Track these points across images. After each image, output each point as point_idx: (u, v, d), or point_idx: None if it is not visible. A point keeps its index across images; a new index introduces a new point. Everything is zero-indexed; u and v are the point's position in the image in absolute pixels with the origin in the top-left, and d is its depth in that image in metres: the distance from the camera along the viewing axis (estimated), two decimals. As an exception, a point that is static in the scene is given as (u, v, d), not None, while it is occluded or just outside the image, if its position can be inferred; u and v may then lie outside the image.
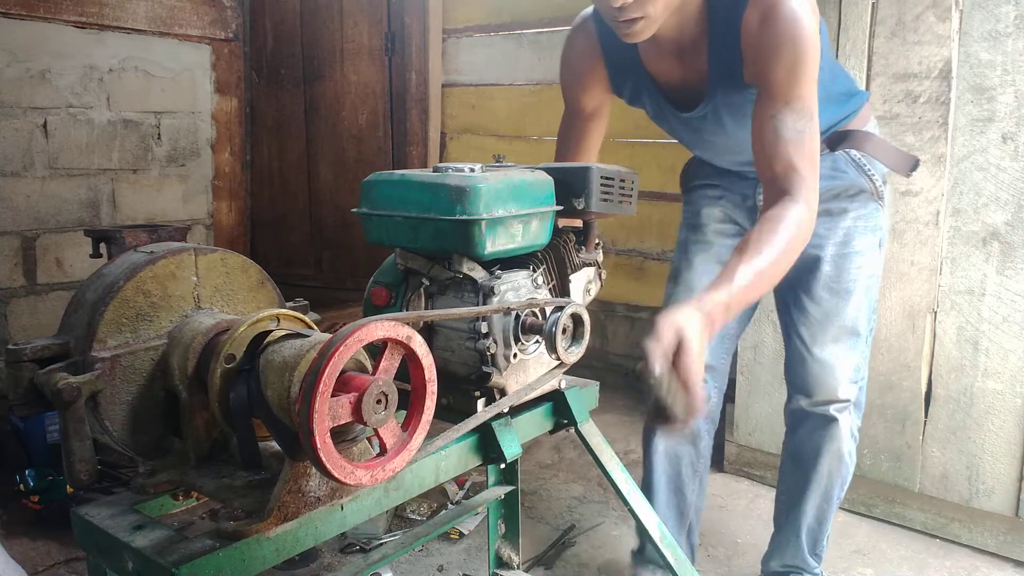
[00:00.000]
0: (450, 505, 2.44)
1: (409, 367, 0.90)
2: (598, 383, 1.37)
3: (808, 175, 1.28)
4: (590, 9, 1.56)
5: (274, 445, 0.99)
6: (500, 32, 3.54)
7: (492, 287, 1.13)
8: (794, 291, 1.70)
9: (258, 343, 0.96)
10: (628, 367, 3.21)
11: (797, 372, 1.75)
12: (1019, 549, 2.11)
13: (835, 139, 1.62)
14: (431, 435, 0.99)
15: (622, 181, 1.30)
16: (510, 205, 1.13)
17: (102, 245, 1.17)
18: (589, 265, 1.35)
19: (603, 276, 1.40)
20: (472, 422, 1.11)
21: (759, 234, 1.23)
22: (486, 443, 1.18)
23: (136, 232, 1.15)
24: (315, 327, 1.06)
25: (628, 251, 3.33)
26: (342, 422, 0.82)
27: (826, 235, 1.64)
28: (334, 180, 3.98)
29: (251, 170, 3.99)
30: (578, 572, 2.13)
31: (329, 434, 0.80)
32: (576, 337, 1.21)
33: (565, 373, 1.27)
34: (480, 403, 1.17)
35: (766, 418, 2.51)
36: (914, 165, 1.68)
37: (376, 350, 0.87)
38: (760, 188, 1.60)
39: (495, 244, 1.12)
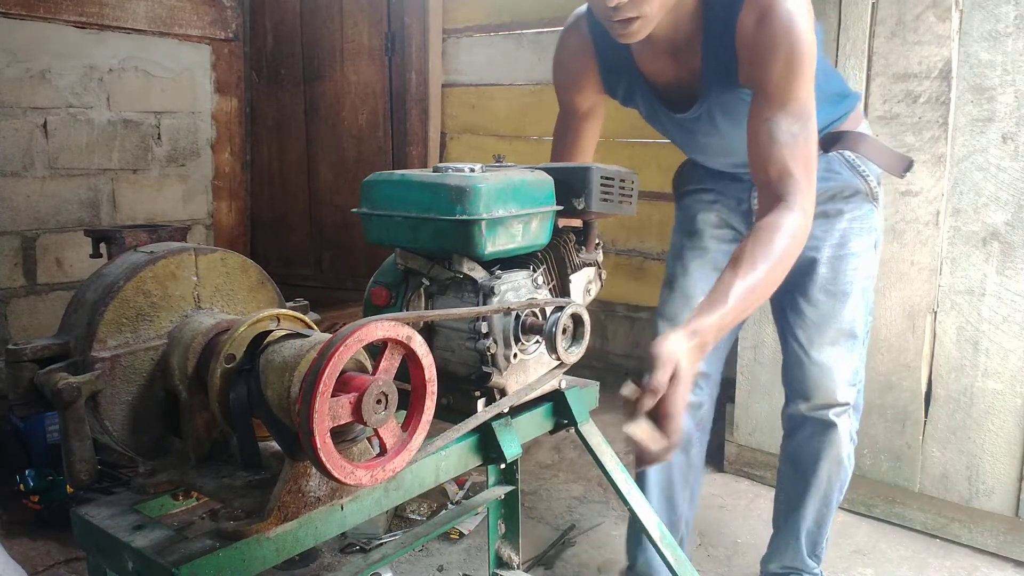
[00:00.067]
0: (450, 505, 2.44)
1: (409, 367, 0.90)
2: (598, 383, 1.37)
3: (803, 179, 1.27)
4: (583, 8, 1.54)
5: (274, 445, 0.99)
6: (500, 32, 3.54)
7: (492, 287, 1.13)
8: (790, 294, 1.69)
9: (258, 343, 0.96)
10: (628, 368, 3.21)
11: (795, 375, 1.74)
12: (1019, 549, 2.11)
13: (829, 140, 1.61)
14: (431, 435, 0.98)
15: (622, 181, 1.30)
16: (510, 205, 1.13)
17: (102, 245, 1.17)
18: (589, 265, 1.35)
19: (603, 276, 1.40)
20: (472, 422, 1.11)
21: (753, 246, 1.21)
22: (486, 443, 1.18)
23: (136, 232, 1.15)
24: (315, 327, 1.06)
25: (628, 251, 3.33)
26: (342, 422, 0.82)
27: (822, 237, 1.63)
28: (334, 180, 3.98)
29: (251, 170, 3.99)
30: (578, 572, 2.13)
31: (329, 434, 0.80)
32: (576, 337, 1.21)
33: (565, 373, 1.27)
34: (480, 403, 1.17)
35: (766, 418, 2.50)
36: (908, 166, 1.67)
37: (376, 350, 0.87)
38: (755, 191, 1.60)
39: (495, 244, 1.12)
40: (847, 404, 1.73)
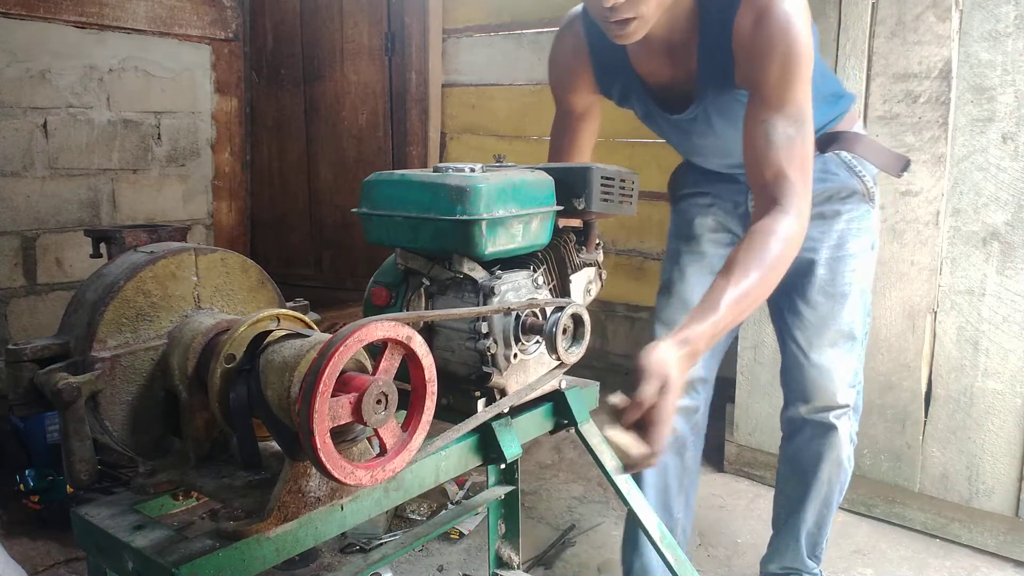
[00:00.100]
0: (450, 505, 2.44)
1: (409, 367, 0.90)
2: (598, 383, 1.37)
3: (799, 182, 1.25)
4: (579, 8, 1.53)
5: (274, 445, 0.99)
6: (500, 32, 3.54)
7: (492, 287, 1.13)
8: (788, 296, 1.68)
9: (258, 343, 0.96)
10: (628, 368, 3.21)
11: (795, 378, 1.73)
12: (1019, 549, 2.11)
13: (825, 140, 1.60)
14: (431, 435, 0.98)
15: (622, 181, 1.30)
16: (510, 205, 1.13)
17: (102, 245, 1.17)
18: (589, 265, 1.35)
19: (603, 276, 1.40)
20: (472, 422, 1.11)
21: (746, 252, 1.20)
22: (486, 443, 1.18)
23: (136, 232, 1.15)
24: (315, 327, 1.05)
25: (628, 251, 3.33)
26: (342, 422, 0.82)
27: (820, 238, 1.62)
28: (334, 180, 3.98)
29: (251, 170, 3.99)
30: (578, 572, 2.13)
31: (329, 434, 0.80)
32: (576, 337, 1.21)
33: (565, 373, 1.27)
34: (480, 403, 1.17)
35: (766, 418, 2.50)
36: (905, 165, 1.67)
37: (376, 350, 0.87)
38: (751, 193, 1.59)
39: (495, 244, 1.12)
40: (847, 406, 1.72)
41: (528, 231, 1.18)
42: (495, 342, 1.13)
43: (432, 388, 0.91)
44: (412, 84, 3.68)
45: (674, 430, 1.70)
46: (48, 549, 2.17)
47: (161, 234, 1.17)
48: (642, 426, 1.04)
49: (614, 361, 3.34)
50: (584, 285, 1.34)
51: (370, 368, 0.90)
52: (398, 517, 2.34)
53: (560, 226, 1.30)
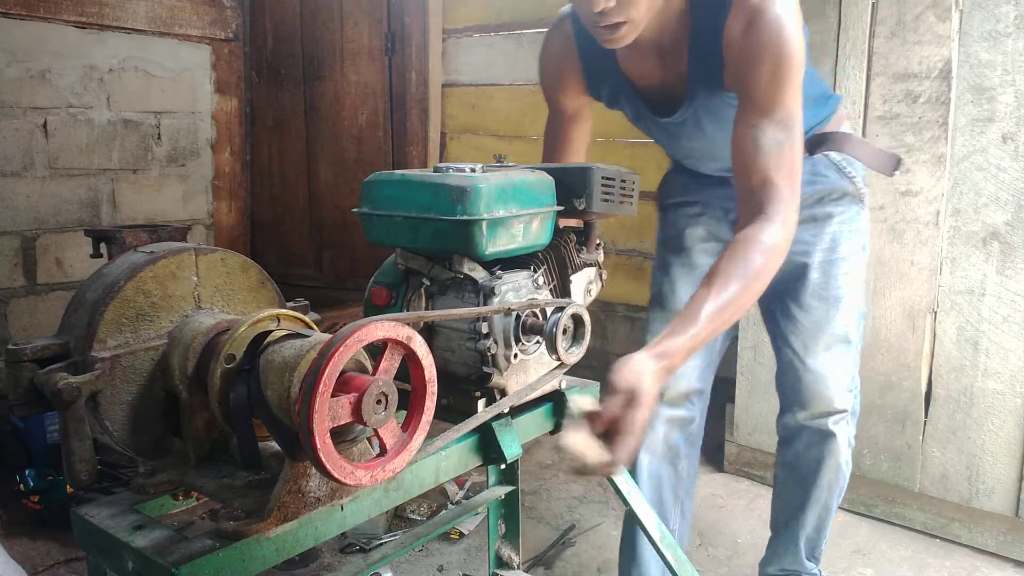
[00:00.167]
0: (450, 505, 2.44)
1: (409, 367, 0.90)
2: (598, 383, 1.37)
3: (786, 190, 1.23)
4: (568, 7, 1.50)
5: (274, 445, 0.99)
6: (500, 32, 3.54)
7: (493, 287, 1.13)
8: (782, 300, 1.66)
9: (258, 343, 0.96)
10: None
11: (791, 384, 1.71)
12: (1019, 549, 2.11)
13: (815, 142, 1.58)
14: (431, 435, 0.98)
15: (623, 181, 1.30)
16: (511, 205, 1.13)
17: (102, 245, 1.17)
18: (590, 265, 1.35)
19: (604, 276, 1.40)
20: (472, 422, 1.11)
21: (728, 263, 1.17)
22: (486, 443, 1.18)
23: (136, 232, 1.15)
24: (315, 327, 1.05)
25: (628, 251, 3.33)
26: (342, 422, 0.82)
27: (812, 242, 1.60)
28: (334, 180, 3.98)
29: (251, 170, 3.99)
30: (578, 572, 2.13)
31: (329, 434, 0.80)
32: (577, 337, 1.21)
33: (566, 373, 1.27)
34: (480, 403, 1.17)
35: (766, 418, 2.50)
36: (896, 164, 1.65)
37: (376, 350, 0.87)
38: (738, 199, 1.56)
39: (496, 244, 1.12)
40: (845, 411, 1.70)
41: (528, 231, 1.18)
42: (495, 342, 1.12)
43: (432, 388, 0.91)
44: (412, 84, 3.68)
45: (667, 440, 1.70)
46: (48, 549, 2.17)
47: (161, 234, 1.17)
48: (608, 436, 1.02)
49: (614, 361, 3.33)
50: (584, 285, 1.34)
51: (370, 368, 0.90)
52: (398, 517, 2.34)
53: (560, 226, 1.30)
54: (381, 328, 0.84)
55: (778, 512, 1.91)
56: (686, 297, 1.62)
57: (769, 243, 1.19)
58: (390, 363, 0.87)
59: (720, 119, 1.39)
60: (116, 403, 0.95)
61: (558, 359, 1.18)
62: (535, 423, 1.28)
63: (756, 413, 2.54)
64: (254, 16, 3.90)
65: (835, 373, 1.67)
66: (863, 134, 2.21)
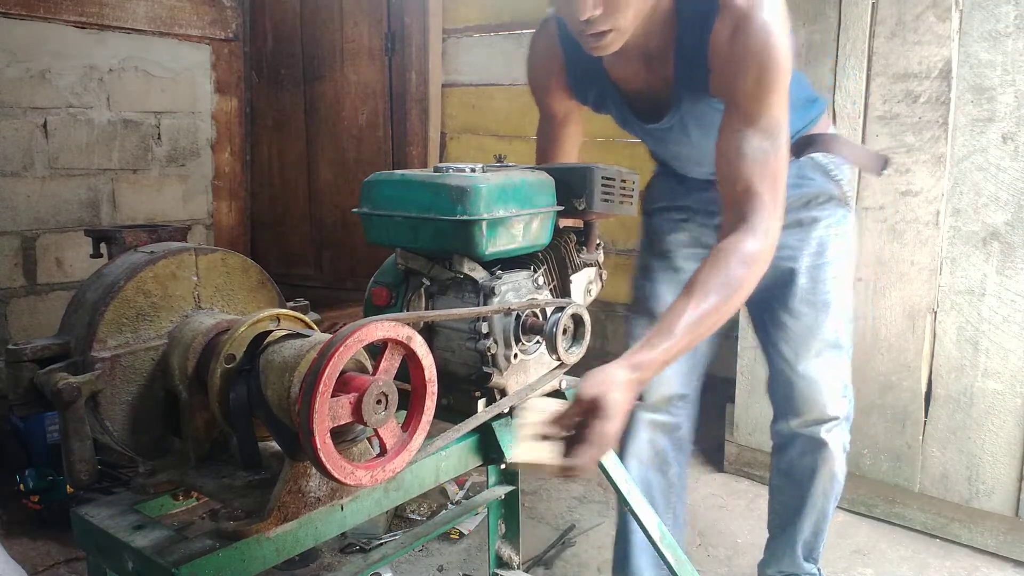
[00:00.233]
0: (450, 505, 2.44)
1: (409, 367, 0.90)
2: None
3: (769, 199, 1.21)
4: (553, 9, 1.47)
5: (274, 445, 0.99)
6: (500, 32, 3.54)
7: (493, 287, 1.13)
8: (770, 307, 1.64)
9: (258, 343, 0.96)
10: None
11: (783, 392, 1.70)
12: (1019, 549, 2.11)
13: (800, 145, 1.56)
14: (431, 435, 0.98)
15: (623, 181, 1.30)
16: (511, 205, 1.13)
17: (102, 245, 1.16)
18: (590, 265, 1.35)
19: (604, 276, 1.40)
20: (472, 422, 1.11)
21: (707, 274, 1.16)
22: (486, 443, 1.18)
23: (136, 232, 1.15)
24: (315, 327, 1.05)
25: (628, 251, 3.32)
26: (342, 422, 0.82)
27: (799, 246, 1.58)
28: (334, 180, 3.98)
29: (251, 170, 3.99)
30: (578, 572, 2.13)
31: (329, 434, 0.80)
32: (577, 337, 1.21)
33: (565, 373, 1.27)
34: (480, 403, 1.17)
35: (766, 418, 2.49)
36: (884, 164, 1.64)
37: (376, 350, 0.87)
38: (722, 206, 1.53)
39: (496, 244, 1.12)
40: (838, 418, 1.69)
41: (528, 231, 1.18)
42: (495, 342, 1.13)
43: (432, 388, 0.91)
44: (412, 84, 3.68)
45: (653, 445, 1.69)
46: (48, 549, 2.17)
47: (161, 234, 1.17)
48: (571, 441, 1.02)
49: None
50: (584, 285, 1.34)
51: (370, 368, 0.90)
52: (398, 517, 2.34)
53: (560, 226, 1.30)
54: (381, 328, 0.84)
55: (774, 516, 1.90)
56: (667, 301, 1.61)
57: (751, 253, 1.18)
58: (390, 363, 0.87)
59: (706, 125, 1.37)
60: (116, 403, 0.95)
61: (558, 359, 1.18)
62: (535, 423, 1.28)
63: (756, 413, 2.54)
64: (254, 16, 3.90)
65: (827, 379, 1.65)
66: (863, 134, 2.21)
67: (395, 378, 0.87)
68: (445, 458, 1.12)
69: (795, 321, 1.63)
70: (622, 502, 1.36)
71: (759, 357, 2.48)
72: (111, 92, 3.28)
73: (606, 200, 1.26)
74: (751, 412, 2.56)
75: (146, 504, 0.98)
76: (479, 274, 1.16)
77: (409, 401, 0.91)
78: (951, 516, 2.22)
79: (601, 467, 1.34)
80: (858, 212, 2.25)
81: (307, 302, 1.14)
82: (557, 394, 1.30)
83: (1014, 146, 2.00)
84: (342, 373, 0.82)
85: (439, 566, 2.12)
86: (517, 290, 1.18)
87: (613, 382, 1.04)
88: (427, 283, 1.19)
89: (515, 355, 1.16)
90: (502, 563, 1.59)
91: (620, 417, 1.03)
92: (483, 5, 3.58)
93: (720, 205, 1.29)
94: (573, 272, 1.31)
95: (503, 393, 1.18)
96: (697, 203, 1.64)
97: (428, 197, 1.12)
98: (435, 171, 1.16)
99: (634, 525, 1.67)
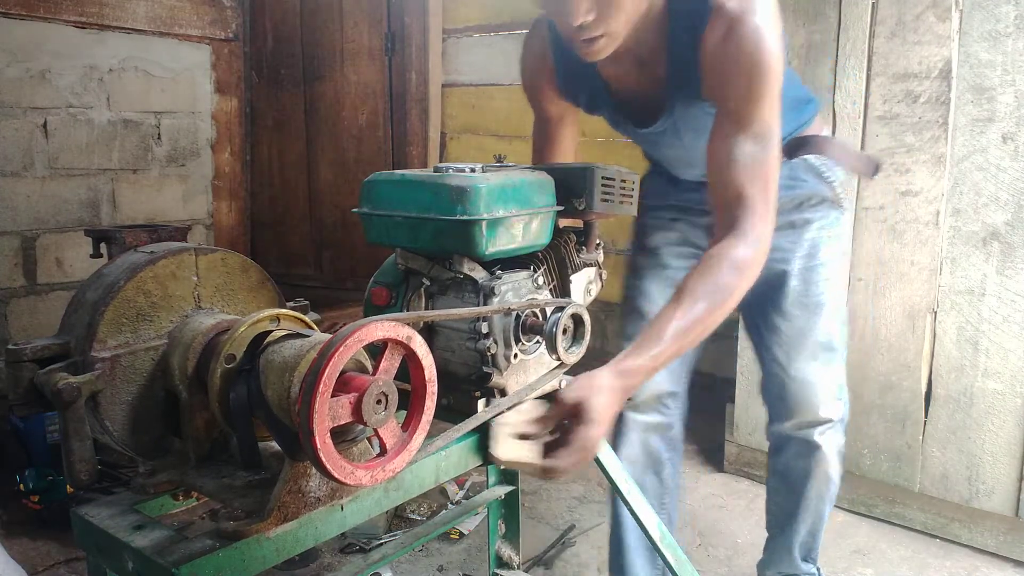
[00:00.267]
0: (450, 505, 2.44)
1: (409, 367, 0.90)
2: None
3: (759, 205, 1.21)
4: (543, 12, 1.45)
5: (274, 445, 0.99)
6: (500, 32, 3.54)
7: (493, 287, 1.13)
8: (763, 310, 1.64)
9: (258, 343, 0.96)
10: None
11: (777, 394, 1.70)
12: (1019, 549, 2.11)
13: (793, 146, 1.55)
14: (431, 435, 0.98)
15: (623, 181, 1.30)
16: (511, 205, 1.13)
17: (102, 245, 1.16)
18: (590, 265, 1.35)
19: (604, 276, 1.40)
20: (472, 422, 1.11)
21: (697, 280, 1.16)
22: (486, 443, 1.18)
23: (136, 232, 1.15)
24: (315, 327, 1.06)
25: (628, 251, 3.32)
26: (342, 422, 0.82)
27: (791, 248, 1.58)
28: (334, 180, 3.98)
29: (251, 170, 3.99)
30: (578, 572, 2.13)
31: (329, 434, 0.80)
32: (577, 337, 1.21)
33: (565, 373, 1.27)
34: (480, 403, 1.17)
35: (765, 418, 2.50)
36: (876, 167, 1.64)
37: (376, 350, 0.87)
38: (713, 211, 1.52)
39: (496, 244, 1.12)
40: (831, 420, 1.68)
41: (528, 231, 1.18)
42: (495, 342, 1.13)
43: (432, 388, 0.91)
44: (412, 84, 3.68)
45: (645, 447, 1.69)
46: (48, 549, 2.17)
47: (161, 234, 1.17)
48: (554, 444, 1.02)
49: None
50: (584, 285, 1.34)
51: (370, 368, 0.90)
52: (398, 517, 2.34)
53: (560, 226, 1.30)
54: (381, 328, 0.84)
55: (772, 517, 1.91)
56: (656, 299, 1.62)
57: (741, 260, 1.18)
58: (390, 363, 0.87)
59: (699, 129, 1.36)
60: (116, 403, 0.95)
61: (558, 359, 1.18)
62: (535, 423, 1.28)
63: (756, 413, 2.54)
64: (254, 16, 3.90)
65: (821, 381, 1.65)
66: (863, 134, 2.21)
67: (395, 378, 0.87)
68: (445, 458, 1.12)
69: (788, 323, 1.62)
70: (622, 502, 1.36)
71: (759, 357, 2.49)
72: (111, 92, 3.28)
73: (606, 200, 1.26)
74: (751, 412, 2.56)
75: (146, 504, 0.98)
76: (479, 274, 1.16)
77: (409, 401, 0.91)
78: (951, 516, 2.22)
79: (601, 467, 1.34)
80: (858, 212, 2.25)
81: (307, 302, 1.14)
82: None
83: (1014, 146, 2.00)
84: (342, 373, 0.82)
85: (439, 566, 2.12)
86: (517, 290, 1.18)
87: (597, 387, 1.04)
88: (427, 283, 1.19)
89: (515, 355, 1.16)
90: (502, 563, 1.59)
91: (604, 423, 1.03)
92: (483, 5, 3.58)
93: (711, 209, 1.29)
94: (573, 272, 1.31)
95: (503, 393, 1.18)
96: (688, 203, 1.64)
97: (428, 197, 1.12)
98: (435, 171, 1.16)
99: (628, 526, 1.67)
